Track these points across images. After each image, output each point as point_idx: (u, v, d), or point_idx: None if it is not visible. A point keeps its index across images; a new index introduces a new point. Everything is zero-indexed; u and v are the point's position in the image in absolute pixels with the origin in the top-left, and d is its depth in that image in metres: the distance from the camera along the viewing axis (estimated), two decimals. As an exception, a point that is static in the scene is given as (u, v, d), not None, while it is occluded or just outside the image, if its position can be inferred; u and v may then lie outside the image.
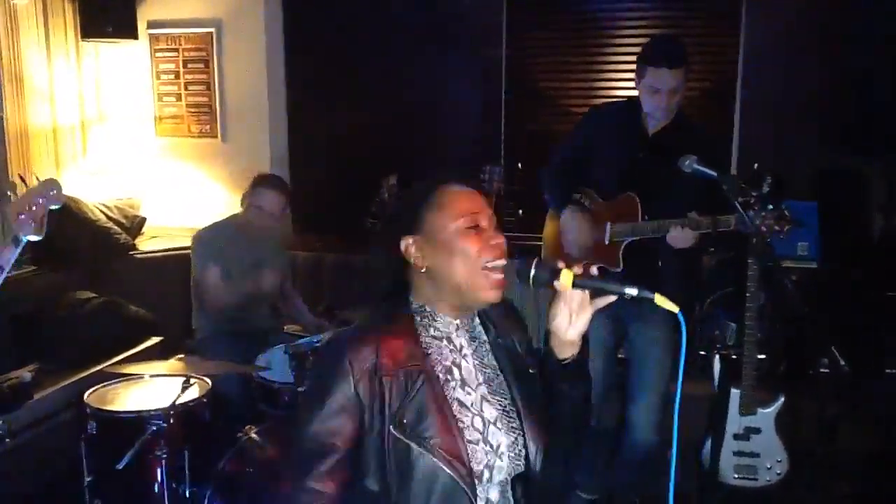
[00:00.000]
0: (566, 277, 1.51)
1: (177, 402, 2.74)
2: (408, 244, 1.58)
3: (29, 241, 2.17)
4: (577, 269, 1.52)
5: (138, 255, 4.73)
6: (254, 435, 2.92)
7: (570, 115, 4.69)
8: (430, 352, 1.58)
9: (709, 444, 3.08)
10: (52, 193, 2.20)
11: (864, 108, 4.11)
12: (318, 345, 2.99)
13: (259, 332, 3.60)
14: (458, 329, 1.63)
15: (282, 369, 3.08)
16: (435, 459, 1.49)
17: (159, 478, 2.74)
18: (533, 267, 1.52)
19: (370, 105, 4.98)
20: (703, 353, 3.85)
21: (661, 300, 1.49)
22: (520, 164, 4.55)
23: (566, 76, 4.76)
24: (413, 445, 1.49)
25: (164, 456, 2.73)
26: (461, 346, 1.62)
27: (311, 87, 5.08)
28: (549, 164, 3.25)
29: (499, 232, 1.60)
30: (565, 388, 1.62)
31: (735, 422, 3.06)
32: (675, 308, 1.48)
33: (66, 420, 3.53)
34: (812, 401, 3.08)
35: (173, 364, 3.07)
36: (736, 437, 3.06)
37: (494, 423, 1.57)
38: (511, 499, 1.61)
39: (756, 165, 3.95)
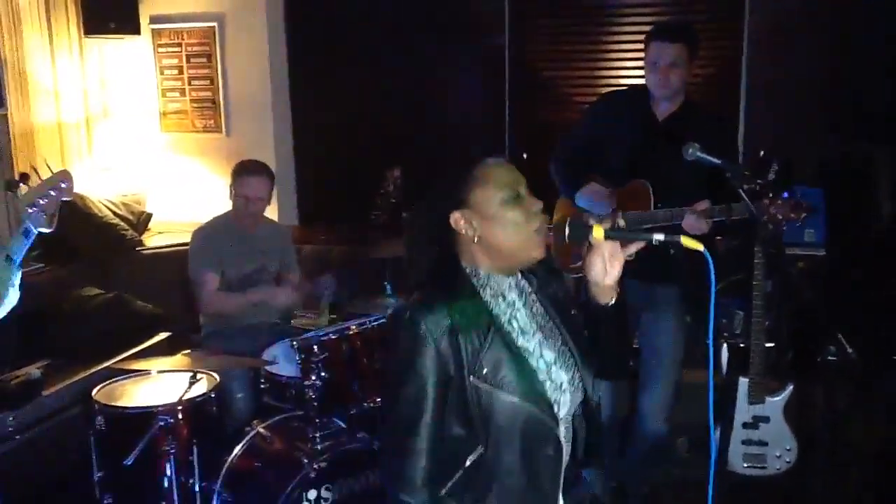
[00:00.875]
0: (598, 231, 1.67)
1: (184, 398, 2.75)
2: (457, 218, 1.72)
3: (39, 234, 2.17)
4: (607, 224, 1.69)
5: (144, 251, 4.75)
6: (261, 429, 2.93)
7: (574, 104, 4.67)
8: (491, 308, 1.73)
9: (717, 432, 3.08)
10: (63, 186, 2.19)
11: (871, 93, 4.08)
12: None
13: (265, 327, 3.60)
14: (509, 286, 1.79)
15: (288, 363, 3.08)
16: (517, 399, 1.65)
17: (168, 472, 2.75)
18: (567, 226, 1.72)
19: (373, 97, 4.97)
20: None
21: (687, 241, 1.61)
22: (525, 155, 4.54)
23: (570, 65, 4.74)
24: (495, 391, 1.65)
25: (173, 451, 2.74)
26: (513, 301, 1.78)
27: (314, 80, 5.07)
28: (558, 152, 3.24)
29: (535, 197, 1.76)
30: (607, 331, 1.80)
31: (743, 410, 3.05)
32: (700, 247, 1.61)
33: (74, 416, 3.54)
34: (820, 388, 3.07)
35: (180, 359, 3.08)
36: (745, 425, 3.05)
37: (554, 363, 1.75)
38: (573, 431, 1.80)
39: (763, 152, 3.93)
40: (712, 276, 1.64)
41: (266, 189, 3.54)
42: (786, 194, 2.65)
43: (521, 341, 1.73)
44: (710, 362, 1.80)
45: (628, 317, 3.12)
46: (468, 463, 1.67)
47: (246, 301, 3.54)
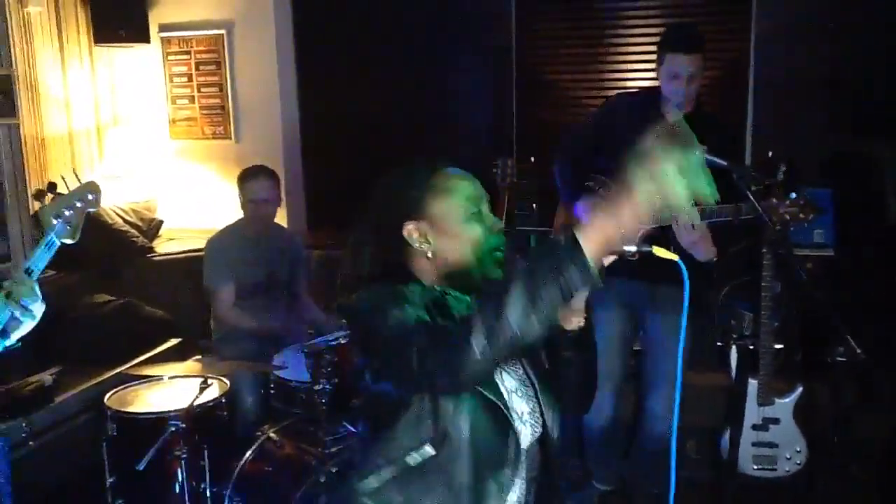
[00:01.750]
0: None
1: (195, 403, 2.77)
2: (410, 230, 1.59)
3: (62, 245, 2.16)
4: None
5: (155, 258, 4.78)
6: (272, 434, 2.95)
7: (581, 106, 4.67)
8: None
9: (727, 434, 3.07)
10: (91, 198, 2.19)
11: (879, 93, 4.07)
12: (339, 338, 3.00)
13: (274, 332, 3.62)
14: (465, 307, 1.63)
15: (298, 368, 3.10)
16: (492, 399, 1.52)
17: (180, 477, 2.77)
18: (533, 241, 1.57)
19: (381, 102, 4.99)
20: (719, 343, 3.83)
21: (659, 251, 1.53)
22: (532, 158, 4.54)
23: (577, 67, 4.74)
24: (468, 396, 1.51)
25: (184, 456, 2.75)
26: None
27: (322, 85, 5.10)
28: (564, 149, 3.24)
29: (494, 214, 1.65)
30: (570, 356, 1.68)
31: (753, 412, 3.05)
32: (674, 256, 1.53)
33: (87, 422, 3.57)
34: (829, 389, 3.06)
35: (191, 365, 3.11)
36: (754, 427, 3.05)
37: (515, 392, 1.62)
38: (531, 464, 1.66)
39: (770, 153, 3.92)
40: (686, 286, 1.53)
41: (271, 190, 3.57)
42: (793, 195, 2.64)
43: None
44: (678, 375, 1.66)
45: (629, 317, 3.14)
46: (409, 462, 1.53)
47: (258, 328, 3.56)
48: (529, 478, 1.66)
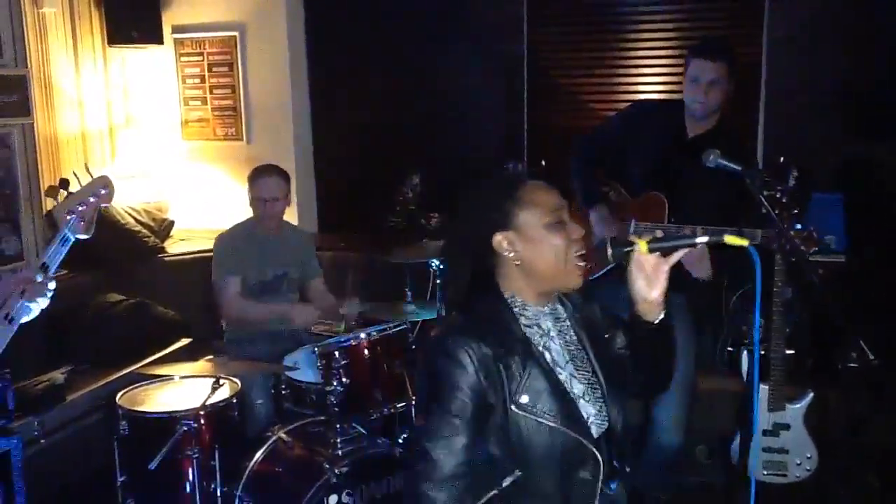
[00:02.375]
0: (643, 246, 1.67)
1: (207, 403, 2.78)
2: (499, 240, 1.71)
3: (76, 241, 2.16)
4: (647, 237, 1.69)
5: (167, 258, 4.79)
6: (283, 434, 2.96)
7: (592, 111, 4.67)
8: (528, 336, 1.72)
9: (738, 439, 3.06)
10: (103, 192, 2.19)
11: (890, 98, 4.06)
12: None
13: (286, 333, 3.62)
14: (544, 315, 1.78)
15: (309, 369, 3.11)
16: (558, 427, 1.65)
17: (191, 477, 2.79)
18: (609, 246, 1.71)
19: (393, 104, 5.00)
20: (730, 349, 3.82)
21: (730, 238, 1.61)
22: (543, 162, 4.55)
23: (588, 72, 4.73)
24: (535, 420, 1.64)
25: (196, 455, 2.77)
26: (548, 330, 1.77)
27: (334, 88, 5.11)
28: (581, 150, 3.24)
29: (577, 223, 1.76)
30: (656, 349, 1.80)
31: (764, 417, 3.04)
32: (745, 242, 1.61)
33: (98, 420, 3.59)
34: (841, 395, 3.05)
35: (203, 365, 3.11)
36: (765, 433, 3.04)
37: (583, 397, 1.73)
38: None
39: (782, 158, 3.91)
40: (758, 274, 1.63)
41: (280, 188, 3.58)
42: (799, 226, 2.63)
43: (555, 372, 1.71)
44: (756, 368, 1.77)
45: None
46: (504, 484, 1.64)
47: (267, 312, 3.56)
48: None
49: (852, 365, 2.30)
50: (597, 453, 1.69)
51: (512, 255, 1.71)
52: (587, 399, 1.73)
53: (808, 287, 3.08)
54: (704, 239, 1.63)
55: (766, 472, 3.05)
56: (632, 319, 1.77)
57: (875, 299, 3.53)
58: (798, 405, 3.04)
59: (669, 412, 3.07)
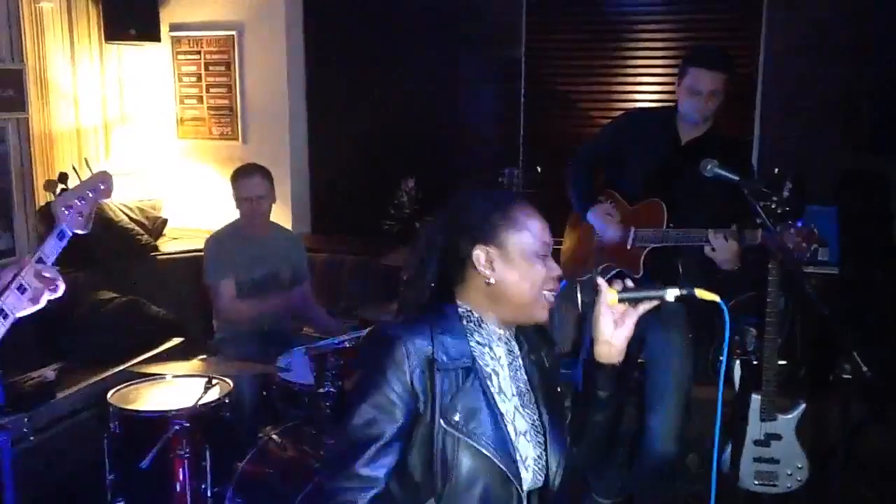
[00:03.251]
0: (611, 297, 1.62)
1: (199, 403, 2.77)
2: (479, 254, 1.63)
3: (73, 236, 2.14)
4: (618, 286, 1.63)
5: (160, 256, 4.78)
6: (274, 436, 2.95)
7: (589, 118, 4.68)
8: (475, 354, 1.62)
9: (728, 449, 3.07)
10: (101, 188, 2.18)
11: (886, 111, 4.08)
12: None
13: (278, 334, 3.62)
14: (499, 339, 1.69)
15: (301, 371, 3.10)
16: (486, 453, 1.54)
17: (181, 477, 2.77)
18: (578, 292, 1.65)
19: (390, 107, 5.00)
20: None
21: (701, 293, 1.57)
22: (539, 168, 4.55)
23: (586, 79, 4.75)
24: (464, 440, 1.54)
25: (187, 455, 2.76)
26: (500, 356, 1.68)
27: (330, 90, 5.11)
28: (577, 160, 3.26)
29: (555, 263, 1.69)
30: (604, 396, 1.70)
31: (755, 428, 3.04)
32: (716, 298, 1.57)
33: (88, 419, 3.57)
34: (833, 406, 3.06)
35: (195, 364, 3.10)
36: (756, 443, 3.05)
37: (524, 435, 1.64)
38: None
39: (777, 169, 3.93)
40: (727, 326, 1.58)
41: (263, 187, 3.59)
42: (800, 222, 2.64)
43: (497, 399, 1.61)
44: (719, 387, 1.74)
45: (634, 333, 3.14)
46: None
47: (262, 306, 3.56)
48: None
49: (845, 376, 2.30)
50: (522, 499, 1.59)
51: (487, 272, 1.62)
52: (528, 439, 1.63)
53: (802, 298, 3.09)
54: (675, 292, 1.58)
55: (757, 483, 3.06)
56: (589, 358, 1.69)
57: (868, 311, 3.55)
58: (790, 416, 3.04)
59: (663, 421, 3.07)
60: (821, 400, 3.13)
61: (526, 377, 1.71)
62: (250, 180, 3.58)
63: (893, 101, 4.04)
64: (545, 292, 1.65)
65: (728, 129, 4.29)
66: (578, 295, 1.65)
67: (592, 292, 1.65)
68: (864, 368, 2.24)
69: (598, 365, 1.68)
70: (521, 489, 1.59)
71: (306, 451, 2.88)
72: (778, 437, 3.03)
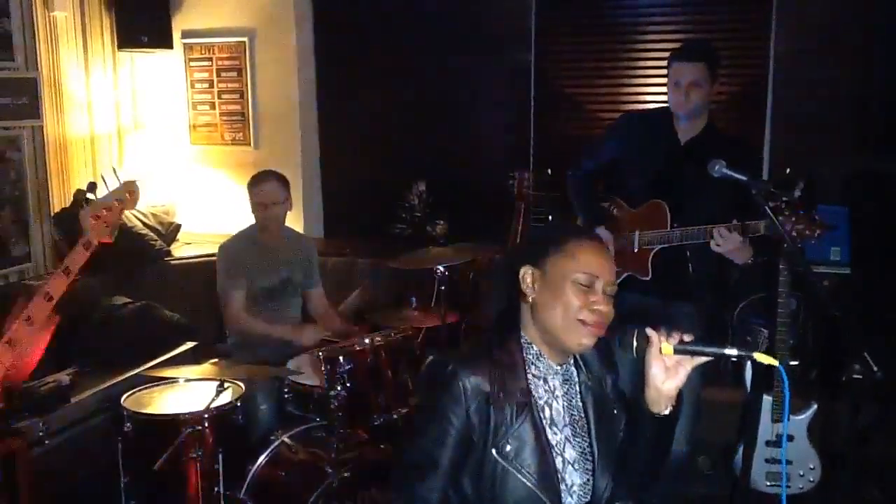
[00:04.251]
0: (667, 349, 1.61)
1: (212, 406, 2.79)
2: (525, 272, 1.71)
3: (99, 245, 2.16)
4: (674, 340, 1.61)
5: (173, 261, 4.81)
6: (286, 439, 2.96)
7: (598, 120, 4.68)
8: (531, 387, 1.69)
9: (741, 450, 3.06)
10: (128, 197, 2.20)
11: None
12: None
13: (285, 341, 3.61)
14: (555, 373, 1.74)
15: (313, 373, 3.11)
16: (531, 487, 1.63)
17: (194, 480, 2.79)
18: (634, 339, 1.63)
19: (400, 111, 5.03)
20: (735, 359, 3.82)
21: (760, 357, 1.56)
22: (549, 170, 4.56)
23: (595, 81, 4.76)
24: (512, 472, 1.62)
25: (199, 458, 2.77)
26: (554, 388, 1.73)
27: (341, 94, 5.13)
28: (577, 172, 3.26)
29: (609, 301, 1.68)
30: (651, 436, 1.71)
31: (767, 429, 3.04)
32: (775, 362, 1.55)
33: (102, 422, 3.59)
34: (845, 407, 3.04)
35: (207, 368, 3.12)
36: (768, 443, 3.04)
37: (573, 465, 1.70)
38: None
39: (788, 170, 3.92)
40: (786, 395, 1.62)
41: (278, 192, 3.60)
42: (801, 211, 2.63)
43: (547, 432, 1.68)
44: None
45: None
46: None
47: (272, 331, 3.55)
48: None
49: (857, 377, 2.29)
50: None
51: (528, 292, 1.69)
52: (576, 468, 1.70)
53: (813, 298, 3.08)
54: (734, 353, 1.56)
55: (769, 484, 3.05)
56: (638, 405, 1.70)
57: (880, 312, 3.53)
58: (802, 416, 3.03)
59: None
60: (831, 401, 3.12)
61: (581, 405, 1.76)
62: (265, 185, 3.59)
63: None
64: (578, 321, 1.65)
65: (738, 131, 4.30)
66: (634, 343, 1.64)
67: (648, 345, 1.63)
68: (875, 369, 2.23)
69: (647, 410, 1.68)
70: None
71: (318, 453, 2.89)
72: (790, 437, 3.02)
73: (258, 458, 2.90)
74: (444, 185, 4.74)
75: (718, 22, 4.50)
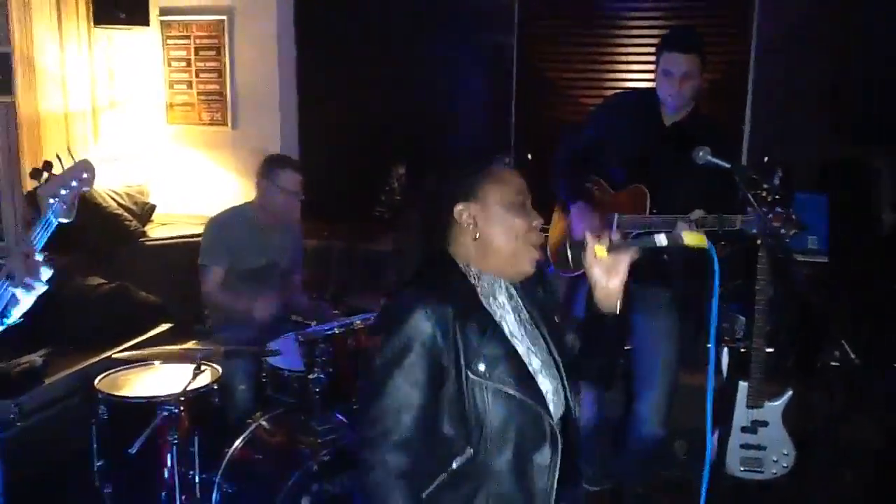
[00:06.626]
0: (601, 251, 1.68)
1: (188, 389, 2.76)
2: (461, 210, 1.70)
3: (59, 224, 2.15)
4: (605, 242, 1.68)
5: (147, 242, 4.76)
6: (263, 422, 2.94)
7: (581, 105, 4.68)
8: (484, 305, 1.70)
9: (715, 435, 3.09)
10: (84, 176, 2.18)
11: (876, 100, 4.09)
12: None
13: (270, 320, 3.58)
14: (499, 287, 1.76)
15: (292, 357, 3.09)
16: (516, 394, 1.61)
17: (169, 463, 2.76)
18: (569, 251, 1.67)
19: (380, 93, 4.99)
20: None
21: (689, 238, 1.62)
22: (530, 155, 4.55)
23: (578, 66, 4.75)
24: (493, 386, 1.61)
25: (175, 441, 2.74)
26: (503, 303, 1.75)
27: (321, 76, 5.08)
28: (562, 152, 3.24)
29: (537, 213, 1.75)
30: (605, 339, 1.79)
31: (742, 414, 3.06)
32: (703, 243, 1.62)
33: (76, 404, 3.55)
34: (820, 393, 3.08)
35: (184, 350, 3.09)
36: (743, 429, 3.06)
37: (540, 372, 1.71)
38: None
39: (766, 158, 3.94)
40: (716, 273, 1.62)
41: (300, 185, 3.55)
42: (778, 209, 2.64)
43: (513, 343, 1.70)
44: (710, 364, 1.80)
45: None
46: (455, 466, 1.61)
47: (234, 305, 3.50)
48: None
49: (833, 363, 2.32)
50: (556, 431, 1.65)
51: (471, 227, 1.69)
52: (544, 374, 1.71)
53: (791, 285, 3.11)
54: (663, 240, 1.63)
55: (743, 469, 3.08)
56: (588, 305, 1.77)
57: (857, 300, 3.57)
58: (777, 402, 3.06)
59: (651, 404, 3.10)
60: (804, 387, 3.15)
61: (529, 316, 1.79)
62: (294, 174, 3.51)
63: (880, 91, 4.06)
64: (529, 244, 1.70)
65: (719, 116, 4.31)
66: (569, 256, 1.71)
67: (584, 252, 1.70)
68: (853, 356, 2.25)
69: (598, 312, 1.74)
70: (553, 421, 1.66)
71: (296, 437, 2.88)
72: (764, 423, 3.05)
73: (235, 442, 2.87)
74: (425, 169, 4.70)
75: (701, 8, 4.51)
